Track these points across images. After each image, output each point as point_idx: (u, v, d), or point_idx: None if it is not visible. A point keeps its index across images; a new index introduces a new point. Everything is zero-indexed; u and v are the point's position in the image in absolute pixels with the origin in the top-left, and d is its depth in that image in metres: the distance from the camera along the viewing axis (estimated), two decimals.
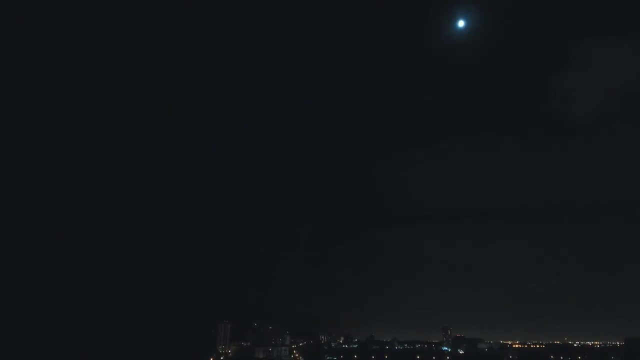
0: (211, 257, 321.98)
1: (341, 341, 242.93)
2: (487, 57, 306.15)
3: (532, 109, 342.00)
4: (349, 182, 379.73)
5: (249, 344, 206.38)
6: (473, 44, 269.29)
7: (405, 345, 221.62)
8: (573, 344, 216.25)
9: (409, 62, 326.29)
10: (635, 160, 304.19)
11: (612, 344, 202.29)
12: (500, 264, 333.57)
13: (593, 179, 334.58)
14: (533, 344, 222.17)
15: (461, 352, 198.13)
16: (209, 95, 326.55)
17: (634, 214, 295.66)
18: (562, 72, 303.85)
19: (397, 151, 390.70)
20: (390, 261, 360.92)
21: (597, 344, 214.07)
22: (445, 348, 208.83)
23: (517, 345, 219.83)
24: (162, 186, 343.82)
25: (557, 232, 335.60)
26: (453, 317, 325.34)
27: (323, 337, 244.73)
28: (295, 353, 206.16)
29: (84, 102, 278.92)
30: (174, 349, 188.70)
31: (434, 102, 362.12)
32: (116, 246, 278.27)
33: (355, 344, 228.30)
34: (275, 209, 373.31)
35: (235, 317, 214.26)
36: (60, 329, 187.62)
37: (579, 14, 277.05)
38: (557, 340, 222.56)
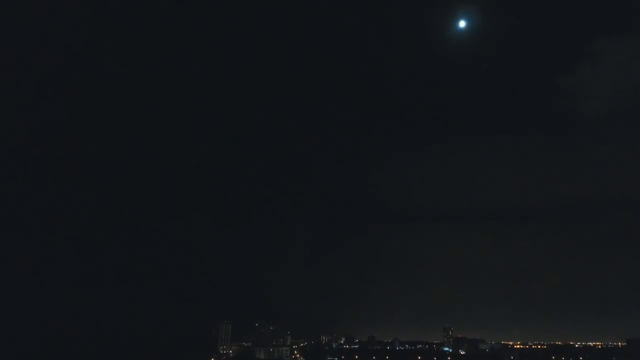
0: (211, 257, 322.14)
1: (342, 342, 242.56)
2: (487, 57, 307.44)
3: (533, 109, 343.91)
4: (349, 182, 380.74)
5: (250, 344, 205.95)
6: (474, 44, 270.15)
7: (407, 345, 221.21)
8: (574, 345, 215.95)
9: (409, 62, 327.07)
10: (636, 160, 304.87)
11: (613, 344, 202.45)
12: (500, 264, 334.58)
13: (593, 179, 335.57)
14: (534, 344, 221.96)
15: (462, 352, 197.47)
16: (209, 95, 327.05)
17: (634, 214, 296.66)
18: (563, 72, 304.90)
19: (396, 151, 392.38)
20: (391, 262, 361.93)
21: (598, 345, 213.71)
22: (446, 348, 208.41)
23: (518, 346, 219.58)
24: (162, 186, 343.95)
25: (557, 232, 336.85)
26: (454, 317, 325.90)
27: (324, 338, 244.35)
28: (297, 353, 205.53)
29: (84, 102, 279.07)
30: (174, 349, 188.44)
31: (434, 102, 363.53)
32: (116, 247, 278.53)
33: (356, 345, 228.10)
34: (275, 210, 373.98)
35: (236, 317, 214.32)
36: (60, 330, 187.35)
37: (579, 14, 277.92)
38: (558, 341, 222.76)
